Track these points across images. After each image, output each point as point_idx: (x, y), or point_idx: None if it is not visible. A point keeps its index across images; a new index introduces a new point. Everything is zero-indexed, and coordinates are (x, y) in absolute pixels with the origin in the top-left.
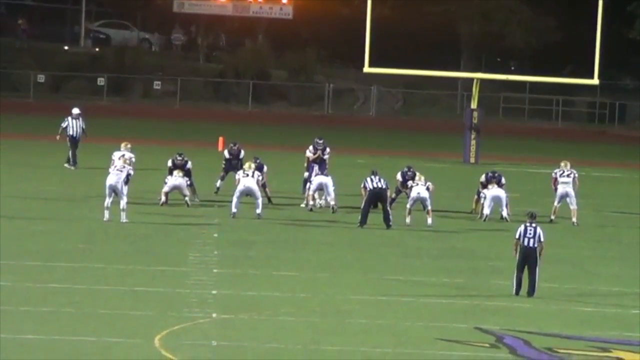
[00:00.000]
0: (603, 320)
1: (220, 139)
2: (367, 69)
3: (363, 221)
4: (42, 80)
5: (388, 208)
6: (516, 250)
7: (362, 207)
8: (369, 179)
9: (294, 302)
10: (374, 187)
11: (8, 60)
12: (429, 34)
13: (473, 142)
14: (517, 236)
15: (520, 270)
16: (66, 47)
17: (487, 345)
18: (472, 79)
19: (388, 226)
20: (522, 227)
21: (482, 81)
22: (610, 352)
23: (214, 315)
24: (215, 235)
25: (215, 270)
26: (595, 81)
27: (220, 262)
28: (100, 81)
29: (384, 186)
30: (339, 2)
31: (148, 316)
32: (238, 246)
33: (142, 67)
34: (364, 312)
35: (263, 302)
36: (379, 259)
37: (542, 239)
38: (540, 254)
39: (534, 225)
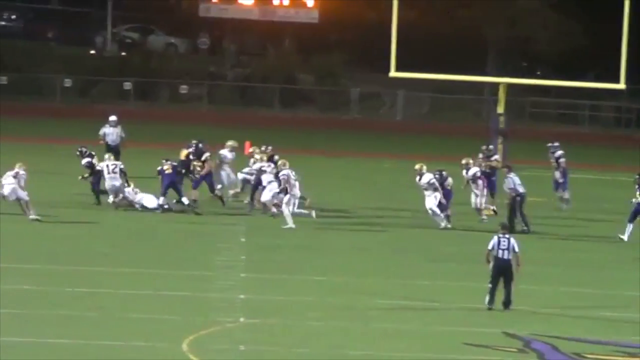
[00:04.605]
0: (629, 326)
1: (247, 143)
2: (393, 73)
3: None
4: (69, 85)
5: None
6: (488, 260)
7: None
8: (495, 240)
9: (321, 306)
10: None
11: (35, 65)
12: (455, 38)
13: (500, 146)
14: (490, 247)
15: (494, 283)
16: (93, 52)
17: (515, 350)
18: (498, 84)
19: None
20: (495, 239)
21: (509, 85)
22: (639, 357)
23: (242, 319)
24: (243, 239)
25: (242, 275)
26: (621, 85)
27: (248, 266)
28: (127, 85)
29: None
30: (365, 6)
31: (176, 320)
32: (265, 250)
33: (168, 72)
34: (391, 317)
35: (290, 307)
36: (405, 264)
37: (516, 250)
38: (518, 266)
39: (507, 236)
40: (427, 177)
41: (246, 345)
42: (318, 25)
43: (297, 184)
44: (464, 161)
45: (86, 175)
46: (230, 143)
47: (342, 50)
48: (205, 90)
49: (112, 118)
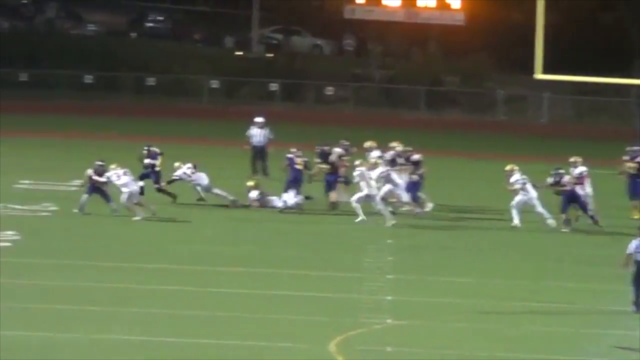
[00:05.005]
0: None
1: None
2: (538, 75)
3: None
4: (216, 86)
5: None
6: (627, 265)
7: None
8: (635, 243)
9: (468, 308)
10: None
11: (182, 66)
12: (601, 40)
13: None
14: (628, 252)
15: (637, 287)
16: (239, 53)
17: None
18: None
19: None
20: (634, 242)
21: None
22: None
23: (389, 321)
24: (389, 241)
25: (389, 276)
26: None
27: (395, 267)
28: (273, 86)
29: None
30: (511, 8)
31: (323, 322)
32: (412, 252)
33: (313, 73)
34: (537, 319)
35: (437, 309)
36: (551, 265)
37: None
38: None
39: None
40: (515, 177)
41: (393, 346)
42: (463, 27)
43: (373, 182)
44: (572, 159)
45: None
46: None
47: (487, 52)
48: (350, 92)
49: (259, 119)
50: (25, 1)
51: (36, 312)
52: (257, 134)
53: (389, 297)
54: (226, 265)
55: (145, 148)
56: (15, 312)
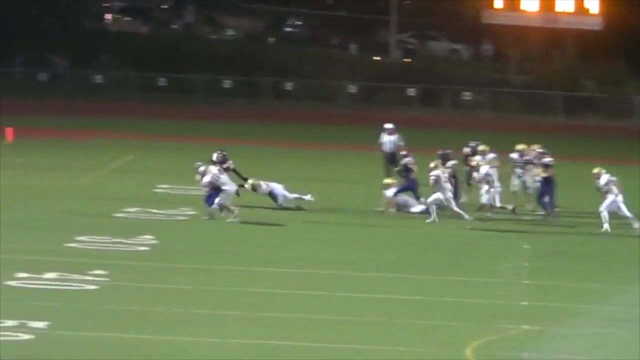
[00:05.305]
0: None
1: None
2: None
3: None
4: (354, 91)
5: None
6: None
7: None
8: None
9: (606, 315)
10: None
11: (320, 70)
12: None
13: None
14: None
15: None
16: (377, 58)
17: None
18: None
19: None
20: None
21: None
22: None
23: (525, 326)
24: (526, 246)
25: (525, 282)
26: None
27: (531, 273)
28: (411, 91)
29: None
30: None
31: (459, 327)
32: (549, 258)
33: (451, 78)
34: None
35: (573, 314)
36: None
37: None
38: None
39: None
40: (604, 178)
41: (529, 352)
42: (600, 32)
43: (448, 184)
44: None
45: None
46: (520, 147)
47: (625, 56)
48: (488, 97)
49: (388, 126)
50: (165, 6)
51: (173, 316)
52: (387, 140)
53: (525, 303)
54: (358, 270)
55: (219, 152)
56: (153, 316)
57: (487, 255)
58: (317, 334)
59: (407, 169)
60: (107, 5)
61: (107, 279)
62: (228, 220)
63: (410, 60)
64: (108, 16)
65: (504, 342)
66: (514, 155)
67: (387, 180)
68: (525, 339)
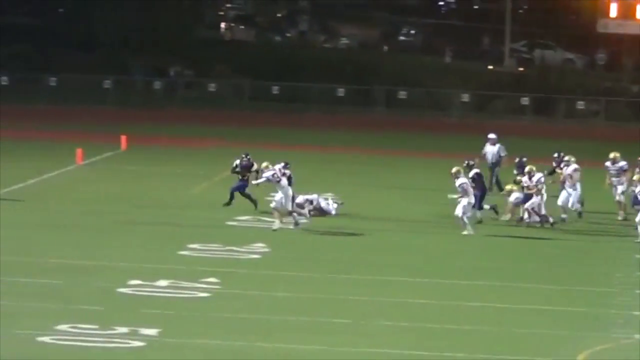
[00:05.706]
0: None
1: None
2: None
3: None
4: (466, 100)
5: None
6: None
7: None
8: None
9: None
10: None
11: (434, 79)
12: None
13: None
14: None
15: None
16: (491, 67)
17: None
18: None
19: None
20: None
21: None
22: None
23: (637, 336)
24: (637, 256)
25: (637, 291)
26: None
27: None
28: (524, 101)
29: None
30: None
31: (571, 336)
32: None
33: (564, 87)
34: None
35: None
36: None
37: None
38: None
39: None
40: None
41: None
42: None
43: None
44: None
45: None
46: (612, 155)
47: None
48: (602, 106)
49: (491, 136)
50: (279, 15)
51: (283, 324)
52: (490, 151)
53: (637, 312)
54: (469, 278)
55: (244, 156)
56: (264, 323)
57: (600, 265)
58: (434, 343)
59: (474, 179)
60: (221, 13)
61: (219, 287)
62: (273, 227)
63: (523, 69)
64: (222, 25)
65: (616, 352)
66: (608, 164)
67: (509, 187)
68: (636, 348)
